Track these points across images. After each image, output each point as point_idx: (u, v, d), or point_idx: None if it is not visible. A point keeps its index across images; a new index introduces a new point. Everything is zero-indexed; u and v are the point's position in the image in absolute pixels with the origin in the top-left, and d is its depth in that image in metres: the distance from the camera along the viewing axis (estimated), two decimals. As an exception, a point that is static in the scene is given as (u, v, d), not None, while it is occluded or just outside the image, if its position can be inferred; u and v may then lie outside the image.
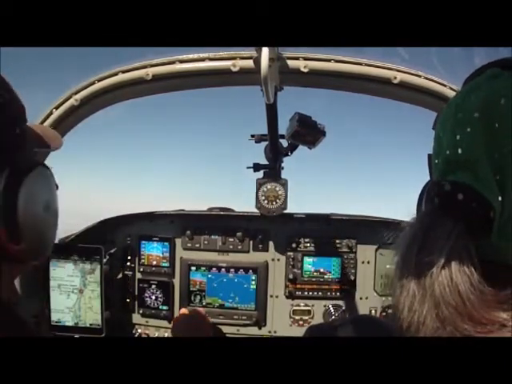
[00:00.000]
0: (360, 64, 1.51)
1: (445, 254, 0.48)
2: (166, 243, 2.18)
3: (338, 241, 2.13)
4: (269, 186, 2.09)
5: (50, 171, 0.74)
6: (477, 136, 0.48)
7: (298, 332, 2.13)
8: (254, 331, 2.14)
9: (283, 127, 1.79)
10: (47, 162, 1.03)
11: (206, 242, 2.17)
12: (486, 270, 0.48)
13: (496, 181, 0.46)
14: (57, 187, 0.90)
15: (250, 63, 1.48)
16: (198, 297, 2.15)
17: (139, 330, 2.22)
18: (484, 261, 0.48)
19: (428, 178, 0.60)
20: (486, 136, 0.47)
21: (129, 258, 2.21)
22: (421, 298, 0.50)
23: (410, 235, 0.53)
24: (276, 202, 2.07)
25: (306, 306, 2.15)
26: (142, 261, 2.20)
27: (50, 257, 1.89)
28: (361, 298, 2.14)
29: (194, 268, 2.16)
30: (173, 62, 1.57)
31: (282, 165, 2.15)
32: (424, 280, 0.50)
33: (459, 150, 0.49)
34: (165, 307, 2.17)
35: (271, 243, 2.17)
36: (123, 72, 1.62)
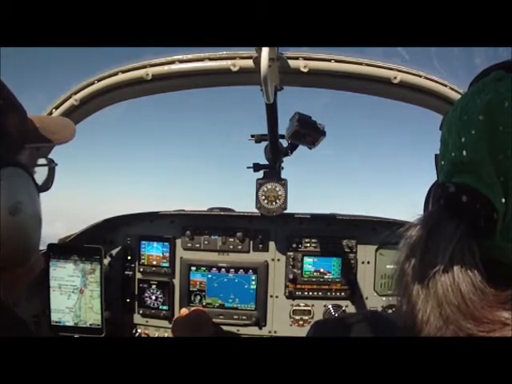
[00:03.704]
0: (360, 64, 1.51)
1: (448, 254, 0.49)
2: (166, 243, 2.18)
3: (338, 241, 2.13)
4: (269, 186, 2.09)
5: (23, 171, 0.67)
6: (481, 138, 0.48)
7: (298, 332, 2.13)
8: (254, 331, 2.14)
9: (283, 127, 1.79)
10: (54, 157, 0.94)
11: (206, 242, 2.18)
12: (488, 271, 0.48)
13: (500, 183, 0.46)
14: (52, 179, 0.87)
15: (250, 63, 1.48)
16: (198, 297, 2.15)
17: (139, 330, 2.22)
18: (487, 261, 0.48)
19: (435, 179, 0.61)
20: (491, 138, 0.47)
21: (129, 258, 2.21)
22: (424, 297, 0.51)
23: (414, 235, 0.54)
24: (276, 202, 2.07)
25: (306, 306, 2.15)
26: (142, 261, 2.20)
27: (50, 257, 1.89)
28: (361, 298, 2.14)
29: (194, 268, 2.16)
30: (172, 62, 1.57)
31: (282, 165, 2.15)
32: (427, 279, 0.50)
33: (464, 152, 0.50)
34: (165, 307, 2.17)
35: (271, 243, 2.17)
36: (123, 72, 1.62)
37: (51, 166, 0.88)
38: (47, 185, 0.87)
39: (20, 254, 0.68)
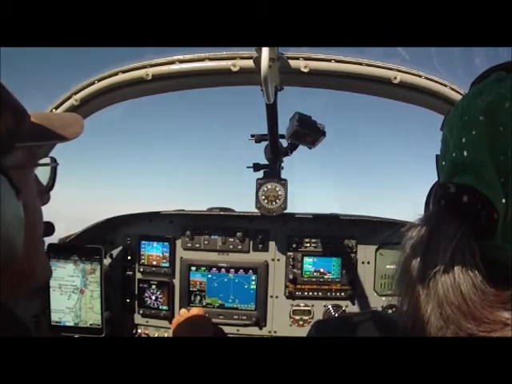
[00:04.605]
0: (360, 64, 1.51)
1: (449, 254, 0.49)
2: (166, 243, 2.18)
3: (338, 241, 2.13)
4: (269, 186, 2.09)
5: None
6: (482, 139, 0.48)
7: (298, 332, 2.13)
8: (254, 331, 2.14)
9: (283, 127, 1.79)
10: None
11: (206, 242, 2.18)
12: (489, 271, 0.48)
13: (501, 183, 0.47)
14: (54, 179, 0.86)
15: (250, 63, 1.48)
16: (198, 297, 2.15)
17: (139, 330, 2.22)
18: (488, 262, 0.48)
19: (436, 179, 0.61)
20: (491, 139, 0.47)
21: (129, 258, 2.21)
22: (425, 297, 0.51)
23: (415, 235, 0.54)
24: (276, 202, 2.07)
25: (306, 306, 2.15)
26: (142, 261, 2.20)
27: (50, 257, 1.89)
28: (361, 298, 2.14)
29: (194, 268, 2.16)
30: (173, 62, 1.57)
31: (282, 165, 2.15)
32: (428, 279, 0.50)
33: (465, 153, 0.50)
34: (165, 307, 2.17)
35: (271, 243, 2.17)
36: (123, 72, 1.62)
37: (53, 165, 0.87)
38: (49, 184, 0.87)
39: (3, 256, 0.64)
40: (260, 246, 2.16)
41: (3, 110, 0.64)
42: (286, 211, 2.09)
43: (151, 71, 1.58)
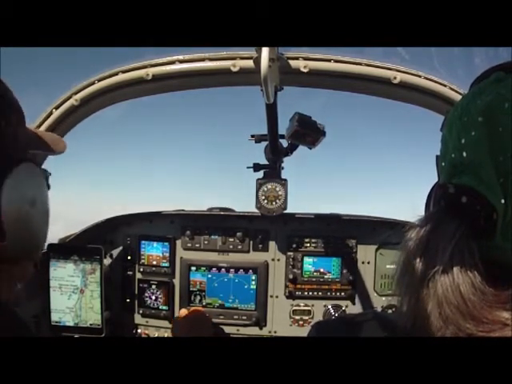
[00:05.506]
0: (360, 64, 1.51)
1: (448, 254, 0.49)
2: (166, 243, 2.18)
3: (338, 241, 2.13)
4: (269, 186, 2.09)
5: (38, 168, 0.72)
6: (481, 140, 0.48)
7: (298, 332, 2.13)
8: (254, 331, 2.14)
9: (283, 127, 1.79)
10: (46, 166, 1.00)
11: (206, 242, 2.18)
12: (488, 271, 0.48)
13: (500, 184, 0.47)
14: (48, 187, 0.89)
15: (250, 63, 1.48)
16: (198, 297, 2.15)
17: (139, 330, 2.22)
18: (487, 262, 0.49)
19: (435, 180, 0.61)
20: (490, 140, 0.47)
21: (129, 258, 2.21)
22: (424, 297, 0.51)
23: (415, 236, 0.54)
24: (276, 202, 2.07)
25: (306, 306, 2.15)
26: (142, 261, 2.20)
27: (50, 257, 1.89)
28: (361, 298, 2.14)
29: (194, 268, 2.16)
30: (173, 62, 1.57)
31: (282, 165, 2.15)
32: (428, 280, 0.50)
33: (464, 154, 0.50)
34: (165, 307, 2.17)
35: (271, 243, 2.17)
36: (123, 72, 1.62)
37: (45, 176, 0.91)
38: None
39: (30, 245, 0.70)
40: (260, 245, 2.16)
41: (15, 112, 0.66)
42: (286, 211, 2.09)
43: (151, 71, 1.58)
